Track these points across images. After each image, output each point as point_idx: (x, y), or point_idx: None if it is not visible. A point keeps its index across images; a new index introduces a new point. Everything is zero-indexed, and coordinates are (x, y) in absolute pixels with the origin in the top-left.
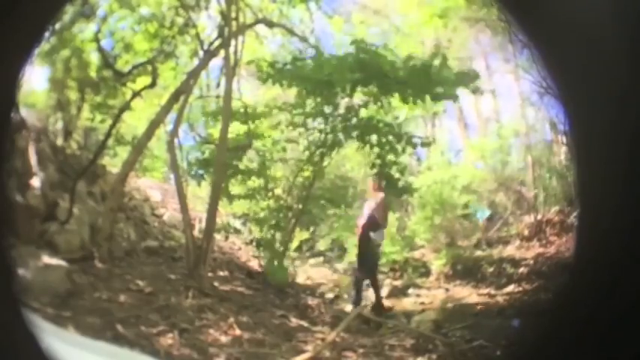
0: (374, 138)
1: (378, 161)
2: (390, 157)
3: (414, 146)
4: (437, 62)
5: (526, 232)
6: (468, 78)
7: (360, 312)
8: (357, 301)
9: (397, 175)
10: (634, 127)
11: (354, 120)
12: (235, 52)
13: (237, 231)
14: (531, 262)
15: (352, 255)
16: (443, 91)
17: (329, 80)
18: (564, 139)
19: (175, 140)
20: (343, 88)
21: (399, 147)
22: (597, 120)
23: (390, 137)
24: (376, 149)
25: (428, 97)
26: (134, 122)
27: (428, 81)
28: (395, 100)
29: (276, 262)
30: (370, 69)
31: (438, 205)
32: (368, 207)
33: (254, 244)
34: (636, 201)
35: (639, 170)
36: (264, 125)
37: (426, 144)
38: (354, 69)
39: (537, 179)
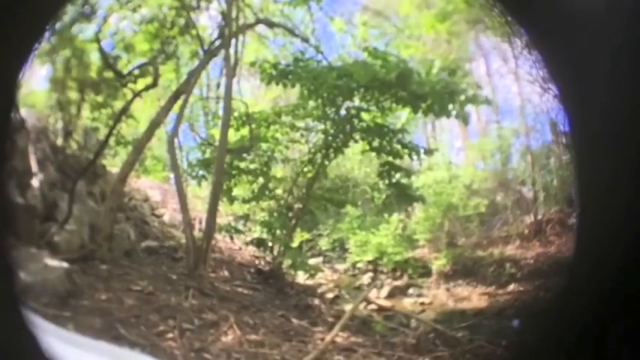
0: (377, 142)
1: (386, 167)
2: (397, 162)
3: (418, 154)
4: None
5: (526, 232)
6: (477, 100)
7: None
8: None
9: (405, 181)
10: (634, 127)
11: (356, 122)
12: (236, 52)
13: (238, 231)
14: (531, 262)
15: (355, 256)
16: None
17: (337, 85)
18: (564, 139)
19: (175, 140)
20: (351, 94)
21: (404, 154)
22: (597, 120)
23: (395, 145)
24: (384, 156)
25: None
26: (134, 122)
27: (447, 99)
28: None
29: (294, 260)
30: (386, 80)
31: (438, 205)
32: None
33: (254, 244)
34: (636, 201)
35: (639, 170)
36: (267, 127)
37: (429, 152)
38: (367, 78)
39: (537, 179)
